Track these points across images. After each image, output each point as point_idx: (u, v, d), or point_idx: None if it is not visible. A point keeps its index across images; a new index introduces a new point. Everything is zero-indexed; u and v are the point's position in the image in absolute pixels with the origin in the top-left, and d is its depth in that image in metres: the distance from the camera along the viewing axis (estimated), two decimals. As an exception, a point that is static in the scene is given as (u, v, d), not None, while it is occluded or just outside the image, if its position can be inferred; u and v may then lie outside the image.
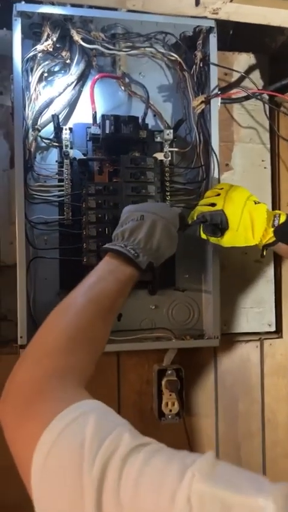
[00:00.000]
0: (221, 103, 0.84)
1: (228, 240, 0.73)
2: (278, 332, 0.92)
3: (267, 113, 0.90)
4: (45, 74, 0.82)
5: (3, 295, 0.84)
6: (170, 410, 0.81)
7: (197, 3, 0.71)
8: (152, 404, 0.84)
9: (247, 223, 0.72)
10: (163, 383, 0.81)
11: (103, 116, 0.79)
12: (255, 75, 0.93)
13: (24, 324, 0.75)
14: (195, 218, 0.74)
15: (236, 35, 0.93)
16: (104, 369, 0.85)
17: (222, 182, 0.81)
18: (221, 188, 0.75)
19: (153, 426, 0.85)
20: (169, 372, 0.81)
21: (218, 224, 0.72)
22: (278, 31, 0.87)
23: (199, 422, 0.88)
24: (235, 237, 0.73)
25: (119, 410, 0.86)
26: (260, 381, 0.89)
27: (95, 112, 0.81)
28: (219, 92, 0.81)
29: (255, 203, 0.73)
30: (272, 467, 0.90)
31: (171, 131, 0.84)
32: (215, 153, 0.82)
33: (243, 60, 0.92)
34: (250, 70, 0.92)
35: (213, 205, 0.73)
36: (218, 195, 0.74)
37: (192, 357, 0.88)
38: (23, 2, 0.76)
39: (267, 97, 0.91)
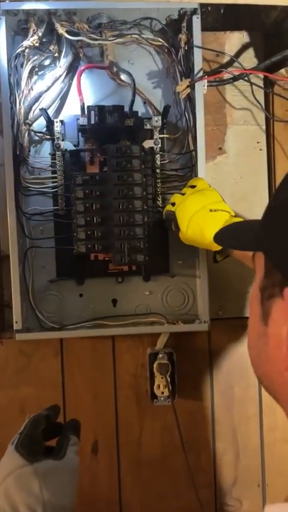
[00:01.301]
0: (209, 85, 0.83)
1: (183, 239, 0.75)
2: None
3: (255, 94, 0.87)
4: (36, 69, 0.85)
5: (6, 284, 0.89)
6: (162, 392, 0.83)
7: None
8: (147, 387, 0.87)
9: (195, 229, 0.71)
10: (155, 365, 0.83)
11: (88, 107, 0.80)
12: (250, 53, 0.90)
13: (18, 309, 0.80)
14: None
15: (228, 14, 0.90)
16: (100, 353, 0.89)
17: (199, 178, 0.80)
18: (193, 186, 0.77)
19: (148, 408, 0.88)
20: (160, 355, 0.83)
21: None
22: (271, 6, 0.84)
23: (195, 404, 0.90)
24: (187, 239, 0.74)
25: (115, 392, 0.89)
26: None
27: (83, 103, 0.83)
28: (203, 75, 0.79)
29: (212, 211, 0.71)
30: (269, 452, 0.90)
31: (159, 117, 0.84)
32: (198, 138, 0.81)
33: (235, 39, 0.89)
34: (243, 48, 0.90)
35: (174, 204, 0.77)
36: (184, 194, 0.76)
37: (187, 342, 0.89)
38: (7, 1, 0.79)
39: (262, 76, 0.88)
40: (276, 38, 0.87)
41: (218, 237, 0.66)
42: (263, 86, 0.88)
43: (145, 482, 0.89)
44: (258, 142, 0.90)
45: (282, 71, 0.86)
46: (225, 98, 0.90)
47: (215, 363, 0.91)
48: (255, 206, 0.90)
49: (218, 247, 0.71)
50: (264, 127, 0.90)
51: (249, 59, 0.90)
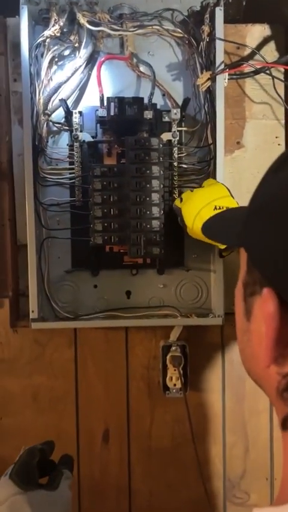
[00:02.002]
0: (229, 78, 0.82)
1: (190, 234, 0.75)
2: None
3: (276, 87, 0.86)
4: (56, 59, 0.85)
5: (22, 273, 0.90)
6: (174, 385, 0.83)
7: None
8: (159, 378, 0.87)
9: (199, 225, 0.70)
10: (167, 358, 0.83)
11: (108, 98, 0.80)
12: (271, 47, 0.89)
13: (35, 299, 0.81)
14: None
15: (250, 6, 0.89)
16: (113, 344, 0.89)
17: (211, 179, 0.82)
18: (202, 186, 0.78)
19: (159, 399, 0.89)
20: (173, 348, 0.84)
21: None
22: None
23: (206, 397, 0.91)
24: (193, 234, 0.74)
25: (127, 383, 0.90)
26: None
27: (102, 95, 0.83)
28: (225, 68, 0.79)
29: (216, 208, 0.70)
30: (279, 446, 0.91)
31: (178, 110, 0.84)
32: (217, 132, 0.80)
33: (257, 32, 0.88)
34: (265, 41, 0.89)
35: (182, 199, 0.78)
36: (192, 190, 0.77)
37: (200, 335, 0.90)
38: (30, -11, 0.79)
39: (282, 70, 0.87)
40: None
41: (205, 229, 0.64)
42: (283, 79, 0.87)
43: (155, 472, 0.91)
44: (276, 137, 0.90)
45: (304, 65, 0.85)
46: (245, 92, 0.89)
47: (227, 357, 0.91)
48: (272, 201, 0.90)
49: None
50: (283, 121, 0.90)
51: (270, 52, 0.88)
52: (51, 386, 0.89)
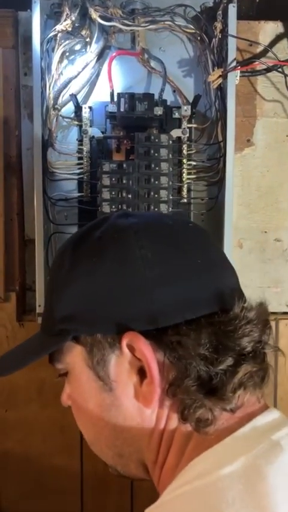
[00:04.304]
0: (241, 76, 0.82)
1: None
2: (296, 312, 0.91)
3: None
4: (67, 53, 0.85)
5: (28, 268, 0.91)
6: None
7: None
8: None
9: None
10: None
11: (118, 94, 0.80)
12: (283, 44, 0.88)
13: (42, 293, 0.81)
14: None
15: (263, 3, 0.88)
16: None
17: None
18: None
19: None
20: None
21: None
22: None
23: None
24: None
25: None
26: (274, 361, 0.88)
27: (113, 90, 0.82)
28: (237, 66, 0.78)
29: None
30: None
31: (189, 107, 0.83)
32: (227, 130, 0.80)
33: (269, 29, 0.88)
34: (278, 39, 0.88)
35: None
36: None
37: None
38: (42, -17, 0.78)
39: (294, 68, 0.86)
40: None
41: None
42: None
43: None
44: (287, 136, 0.89)
45: None
46: (256, 89, 0.89)
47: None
48: (280, 200, 0.89)
49: None
50: (294, 120, 0.89)
51: (282, 49, 0.88)
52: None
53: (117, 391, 0.37)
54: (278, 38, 0.88)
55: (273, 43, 0.88)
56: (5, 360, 0.46)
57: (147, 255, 0.37)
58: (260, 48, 0.87)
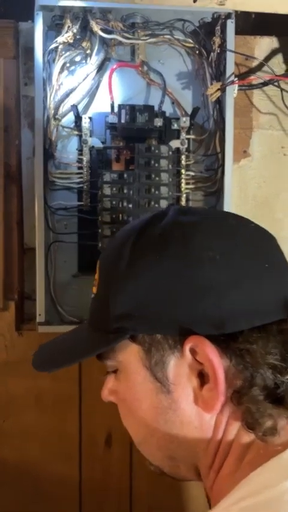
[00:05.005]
0: (239, 89, 0.84)
1: None
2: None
3: (284, 99, 0.88)
4: (67, 65, 0.86)
5: (27, 277, 0.91)
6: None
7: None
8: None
9: None
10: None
11: (119, 105, 0.81)
12: (278, 59, 0.91)
13: (42, 302, 0.81)
14: None
15: (258, 19, 0.91)
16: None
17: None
18: None
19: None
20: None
21: None
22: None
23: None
24: None
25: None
26: None
27: (113, 101, 0.84)
28: (235, 80, 0.80)
29: None
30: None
31: (188, 118, 0.85)
32: (226, 142, 0.82)
33: (265, 44, 0.90)
34: (272, 54, 0.90)
35: None
36: None
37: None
38: (45, -4, 0.79)
39: (290, 82, 0.89)
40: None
41: (44, 362, 0.49)
42: None
43: (157, 476, 0.91)
44: (282, 147, 0.92)
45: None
46: (252, 102, 0.91)
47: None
48: (276, 211, 0.91)
49: None
50: (289, 132, 0.91)
51: (277, 64, 0.90)
52: (55, 389, 0.89)
53: (176, 394, 0.36)
54: (272, 53, 0.91)
55: (268, 58, 0.90)
56: (49, 354, 0.45)
57: (215, 256, 0.35)
58: (255, 63, 0.90)
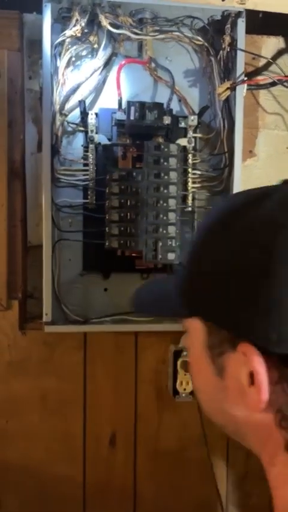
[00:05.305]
0: (247, 89, 0.84)
1: None
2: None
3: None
4: (73, 59, 0.84)
5: (30, 275, 0.89)
6: (184, 389, 0.84)
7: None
8: (167, 383, 0.88)
9: None
10: (178, 363, 0.84)
11: (128, 102, 0.80)
12: (284, 60, 0.91)
13: (49, 302, 0.79)
14: None
15: (266, 18, 0.91)
16: (122, 348, 0.89)
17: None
18: None
19: (166, 403, 0.90)
20: (184, 353, 0.85)
21: None
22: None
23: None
24: None
25: (135, 387, 0.90)
26: None
27: (121, 98, 0.82)
28: (245, 79, 0.80)
29: None
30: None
31: (196, 117, 0.85)
32: (235, 141, 0.82)
33: (271, 44, 0.90)
34: (279, 54, 0.91)
35: None
36: None
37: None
38: (53, -12, 0.77)
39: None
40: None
41: (138, 306, 0.54)
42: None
43: (160, 476, 0.91)
44: (287, 148, 0.92)
45: None
46: (259, 102, 0.91)
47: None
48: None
49: None
50: (294, 133, 0.92)
51: (283, 64, 0.91)
52: (59, 389, 0.88)
53: (227, 381, 0.37)
54: (279, 53, 0.91)
55: (274, 57, 0.90)
56: (145, 297, 0.49)
57: None
58: (262, 62, 0.90)
